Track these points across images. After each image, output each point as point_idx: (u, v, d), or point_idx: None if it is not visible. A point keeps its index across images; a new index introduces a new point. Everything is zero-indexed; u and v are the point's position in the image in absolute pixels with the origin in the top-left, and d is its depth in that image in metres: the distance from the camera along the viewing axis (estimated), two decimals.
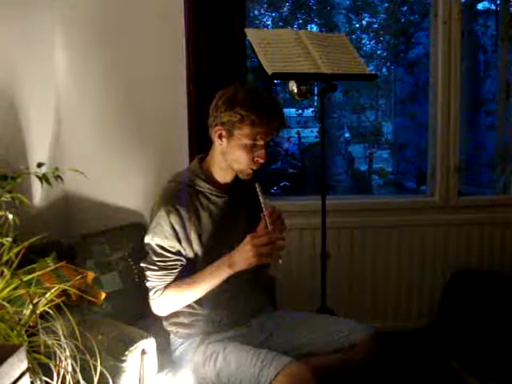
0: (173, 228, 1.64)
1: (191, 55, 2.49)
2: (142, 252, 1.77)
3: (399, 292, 2.93)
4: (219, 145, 1.67)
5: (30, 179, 1.88)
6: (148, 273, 1.69)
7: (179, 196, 1.67)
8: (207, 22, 2.47)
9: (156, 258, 1.67)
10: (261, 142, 1.63)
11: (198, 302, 1.72)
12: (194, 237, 1.68)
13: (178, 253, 1.68)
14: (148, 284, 1.70)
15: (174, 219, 1.64)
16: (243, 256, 1.59)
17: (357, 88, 4.66)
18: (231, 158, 1.67)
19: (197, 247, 1.69)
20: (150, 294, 1.70)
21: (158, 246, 1.66)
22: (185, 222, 1.65)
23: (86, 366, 1.27)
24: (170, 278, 1.68)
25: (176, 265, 1.68)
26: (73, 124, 2.55)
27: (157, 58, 2.58)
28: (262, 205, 1.63)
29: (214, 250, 1.69)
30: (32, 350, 1.19)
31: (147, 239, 1.69)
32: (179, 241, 1.66)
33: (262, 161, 1.66)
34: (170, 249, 1.66)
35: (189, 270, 1.69)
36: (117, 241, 2.27)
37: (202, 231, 1.69)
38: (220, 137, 1.65)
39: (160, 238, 1.65)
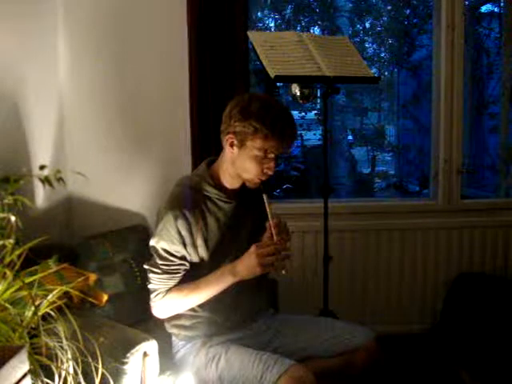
0: (179, 233, 1.64)
1: (194, 58, 2.49)
2: (145, 255, 1.77)
3: (402, 295, 2.92)
4: (230, 153, 1.66)
5: (33, 181, 1.88)
6: (151, 275, 1.68)
7: (187, 201, 1.67)
8: (210, 25, 2.48)
9: (160, 262, 1.66)
10: (271, 155, 1.63)
11: (200, 304, 1.71)
12: (200, 242, 1.67)
13: (183, 257, 1.67)
14: (150, 286, 1.70)
15: (180, 224, 1.63)
16: (247, 265, 1.59)
17: (360, 91, 4.66)
18: (240, 166, 1.66)
19: (203, 252, 1.68)
20: (152, 296, 1.70)
21: (163, 249, 1.66)
22: (191, 227, 1.65)
23: (88, 368, 1.27)
24: (172, 282, 1.67)
25: (179, 269, 1.68)
26: (75, 126, 2.56)
27: (160, 60, 2.59)
28: (269, 215, 1.63)
29: (220, 255, 1.69)
30: (34, 351, 1.19)
31: (152, 242, 1.68)
32: (185, 246, 1.66)
33: (270, 173, 1.66)
34: (175, 253, 1.66)
35: (192, 275, 1.69)
36: (119, 243, 2.27)
37: (208, 237, 1.68)
38: (231, 145, 1.64)
39: (166, 242, 1.65)
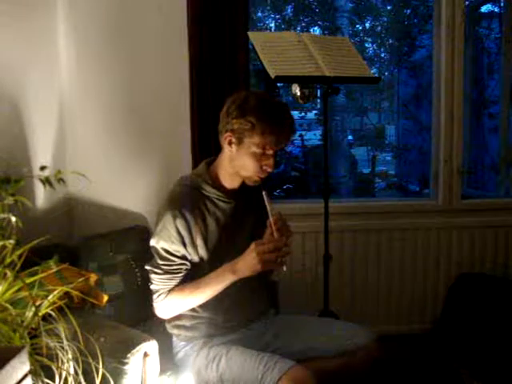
0: (178, 232, 1.64)
1: (195, 58, 2.49)
2: (145, 255, 1.77)
3: (402, 295, 2.92)
4: (228, 151, 1.66)
5: (33, 182, 1.88)
6: (152, 276, 1.69)
7: (186, 200, 1.67)
8: (210, 25, 2.48)
9: (161, 262, 1.67)
10: (270, 152, 1.63)
11: (201, 304, 1.71)
12: (199, 242, 1.67)
13: (183, 257, 1.67)
14: (152, 287, 1.70)
15: (180, 224, 1.63)
16: (248, 263, 1.59)
17: (360, 91, 4.66)
18: (239, 164, 1.66)
19: (202, 252, 1.69)
20: (154, 297, 1.70)
21: (164, 249, 1.66)
22: (191, 227, 1.65)
23: (88, 368, 1.27)
24: (174, 282, 1.67)
25: (181, 269, 1.68)
26: (76, 127, 2.56)
27: (161, 61, 2.59)
28: (269, 213, 1.62)
29: (220, 255, 1.69)
30: (34, 352, 1.19)
31: (153, 242, 1.68)
32: (184, 245, 1.66)
33: (270, 170, 1.66)
34: (175, 253, 1.66)
35: (193, 275, 1.69)
36: (119, 243, 2.27)
37: (207, 236, 1.68)
38: (229, 143, 1.64)
39: (165, 241, 1.65)
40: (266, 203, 1.63)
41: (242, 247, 1.62)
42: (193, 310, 1.73)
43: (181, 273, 1.68)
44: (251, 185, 1.71)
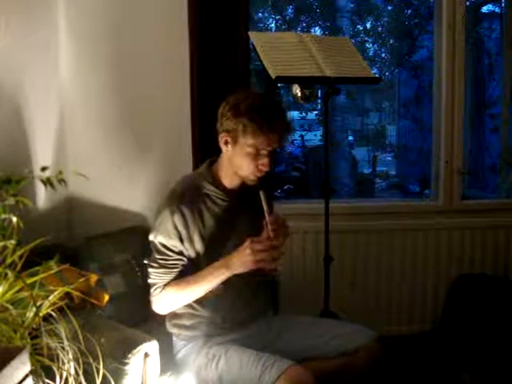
0: (176, 228, 1.65)
1: (195, 58, 2.49)
2: (145, 254, 1.78)
3: (402, 296, 2.92)
4: (225, 151, 1.69)
5: (34, 182, 1.88)
6: (150, 270, 1.71)
7: (184, 197, 1.69)
8: (211, 25, 2.48)
9: (158, 256, 1.69)
10: (264, 151, 1.64)
11: (200, 303, 1.72)
12: (196, 238, 1.69)
13: (180, 252, 1.69)
14: (149, 281, 1.72)
15: (177, 219, 1.65)
16: (241, 259, 1.60)
17: (360, 91, 4.67)
18: (236, 164, 1.68)
19: (199, 248, 1.70)
20: (151, 290, 1.72)
21: (161, 244, 1.68)
22: (188, 223, 1.66)
23: (89, 368, 1.27)
24: (170, 277, 1.69)
25: (177, 264, 1.69)
26: (77, 127, 2.56)
27: (161, 61, 2.58)
28: (265, 212, 1.64)
29: (217, 251, 1.70)
30: (35, 352, 1.20)
31: (151, 237, 1.71)
32: (181, 241, 1.67)
33: (265, 169, 1.67)
34: (172, 248, 1.68)
35: (191, 270, 1.70)
36: (120, 243, 2.27)
37: (205, 233, 1.70)
38: (226, 143, 1.66)
39: (163, 236, 1.67)
40: (263, 202, 1.64)
41: (239, 245, 1.63)
42: (192, 308, 1.74)
43: (177, 268, 1.69)
44: (250, 184, 1.72)
